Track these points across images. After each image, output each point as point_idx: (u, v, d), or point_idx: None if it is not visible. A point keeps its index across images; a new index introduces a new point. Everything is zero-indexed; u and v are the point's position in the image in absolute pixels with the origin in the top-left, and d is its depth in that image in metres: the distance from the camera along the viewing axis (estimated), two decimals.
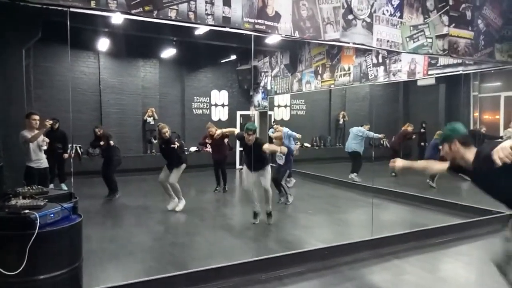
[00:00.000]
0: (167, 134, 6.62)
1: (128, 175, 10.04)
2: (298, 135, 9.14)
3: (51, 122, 6.32)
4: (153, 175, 9.81)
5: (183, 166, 6.74)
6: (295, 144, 8.92)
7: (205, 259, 4.41)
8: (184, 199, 6.82)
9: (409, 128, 10.85)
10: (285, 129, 9.10)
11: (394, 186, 8.47)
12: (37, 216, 2.58)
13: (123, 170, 9.95)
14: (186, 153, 11.57)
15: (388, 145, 14.32)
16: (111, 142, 7.64)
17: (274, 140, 7.18)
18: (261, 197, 6.01)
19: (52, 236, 2.70)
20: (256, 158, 5.62)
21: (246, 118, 12.94)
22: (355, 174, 9.48)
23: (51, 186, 7.70)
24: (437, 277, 4.15)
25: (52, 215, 2.75)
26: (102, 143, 7.63)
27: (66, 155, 8.18)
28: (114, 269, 4.32)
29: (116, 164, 7.80)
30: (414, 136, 11.11)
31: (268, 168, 5.96)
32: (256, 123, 12.90)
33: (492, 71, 8.71)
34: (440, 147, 2.75)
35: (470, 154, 2.56)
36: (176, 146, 6.57)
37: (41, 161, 5.99)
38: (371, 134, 9.79)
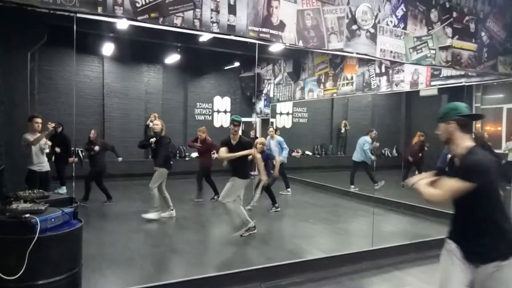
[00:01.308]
0: (157, 128, 6.46)
1: (129, 180, 10.06)
2: (287, 149, 8.99)
3: (53, 125, 6.32)
4: None
5: (163, 170, 6.44)
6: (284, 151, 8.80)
7: (204, 267, 4.39)
8: (185, 206, 6.73)
9: (422, 138, 10.50)
10: (279, 138, 9.01)
11: (396, 196, 8.43)
12: (38, 221, 2.58)
13: (124, 174, 10.01)
14: (187, 159, 11.68)
15: (389, 155, 14.32)
16: (96, 148, 7.49)
17: (257, 145, 7.04)
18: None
19: (52, 241, 2.69)
20: (236, 163, 5.34)
21: (248, 125, 12.96)
22: (352, 186, 9.49)
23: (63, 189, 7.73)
24: None
25: (53, 219, 2.74)
26: (97, 148, 7.52)
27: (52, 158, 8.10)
28: (112, 275, 4.30)
29: (96, 173, 7.59)
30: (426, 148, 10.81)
31: (236, 180, 5.29)
32: (258, 130, 12.93)
33: (495, 83, 8.72)
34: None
35: (464, 143, 2.25)
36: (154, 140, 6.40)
37: (43, 164, 5.99)
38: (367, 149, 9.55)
